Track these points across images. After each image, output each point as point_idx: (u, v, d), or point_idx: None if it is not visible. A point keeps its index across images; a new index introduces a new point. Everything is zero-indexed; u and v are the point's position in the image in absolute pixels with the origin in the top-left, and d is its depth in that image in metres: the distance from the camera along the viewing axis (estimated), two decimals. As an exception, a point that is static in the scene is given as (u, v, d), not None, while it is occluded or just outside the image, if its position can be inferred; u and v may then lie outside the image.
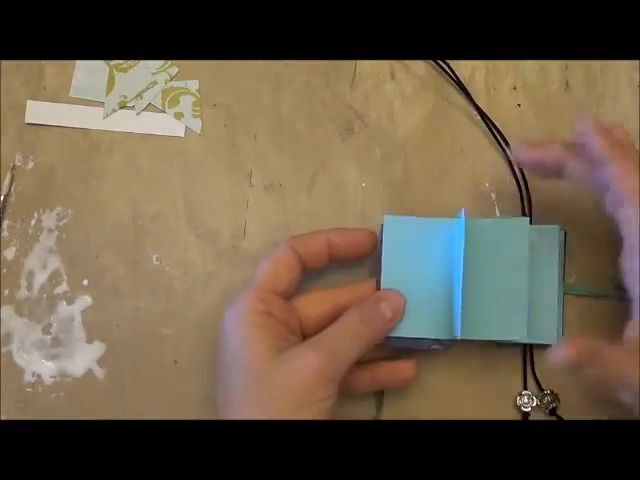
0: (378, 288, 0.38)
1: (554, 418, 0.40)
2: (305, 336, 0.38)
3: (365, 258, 0.40)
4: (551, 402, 0.40)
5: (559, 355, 0.33)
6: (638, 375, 0.32)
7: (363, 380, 0.39)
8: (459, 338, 0.37)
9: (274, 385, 0.33)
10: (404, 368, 0.39)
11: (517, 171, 0.43)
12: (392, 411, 0.41)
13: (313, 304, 0.38)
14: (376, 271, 0.39)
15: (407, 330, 0.37)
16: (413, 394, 0.41)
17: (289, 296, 0.38)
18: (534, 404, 0.40)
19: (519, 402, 0.40)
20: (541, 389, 0.40)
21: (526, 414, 0.40)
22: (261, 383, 0.34)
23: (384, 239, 0.39)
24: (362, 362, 0.37)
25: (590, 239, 0.42)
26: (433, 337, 0.38)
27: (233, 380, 0.35)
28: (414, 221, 0.39)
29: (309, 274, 0.39)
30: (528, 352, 0.41)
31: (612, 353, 0.33)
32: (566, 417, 0.40)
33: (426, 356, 0.41)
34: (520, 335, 0.38)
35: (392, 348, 0.39)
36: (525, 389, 0.41)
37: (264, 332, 0.35)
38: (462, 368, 0.41)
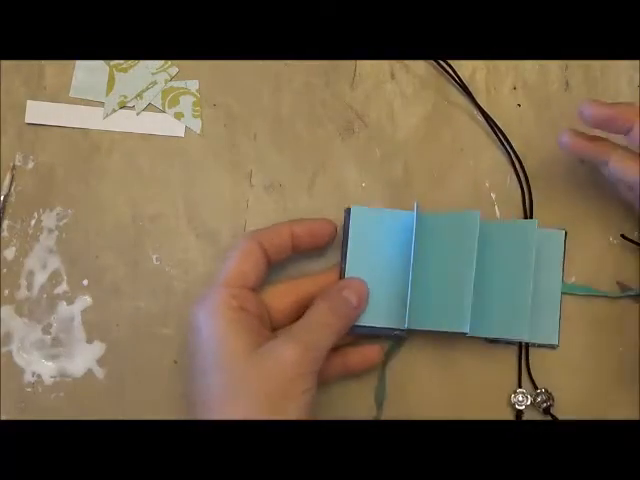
0: (342, 277, 0.39)
1: (548, 417, 0.40)
2: (273, 328, 0.38)
3: (325, 248, 0.41)
4: (545, 401, 0.40)
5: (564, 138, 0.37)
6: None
7: (336, 366, 0.39)
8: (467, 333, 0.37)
9: (254, 382, 0.33)
10: (371, 353, 0.40)
11: (518, 168, 0.43)
12: (392, 411, 0.41)
13: (279, 296, 0.39)
14: (340, 260, 0.39)
15: (369, 319, 0.38)
16: (414, 394, 0.41)
17: (257, 290, 0.38)
18: (528, 402, 0.40)
19: (513, 400, 0.40)
20: (535, 387, 0.40)
21: (520, 412, 0.40)
22: (240, 381, 0.34)
23: (350, 229, 0.39)
24: (334, 349, 0.38)
25: (590, 239, 0.42)
26: (393, 327, 0.39)
27: (211, 380, 0.34)
28: (380, 212, 0.40)
29: (273, 266, 0.39)
30: (524, 350, 0.41)
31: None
32: (560, 416, 0.40)
33: (423, 354, 0.41)
34: (522, 336, 0.38)
35: (356, 335, 0.40)
36: (520, 387, 0.41)
37: (239, 328, 0.35)
38: (458, 365, 0.41)
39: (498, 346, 0.41)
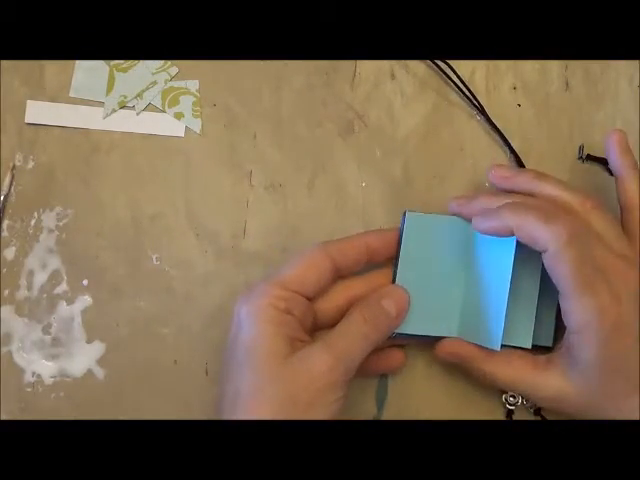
0: (393, 281, 0.38)
1: (537, 418, 0.40)
2: (319, 328, 0.38)
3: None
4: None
5: (439, 353, 0.38)
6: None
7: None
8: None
9: (282, 387, 0.33)
10: (394, 357, 0.40)
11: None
12: (393, 411, 0.41)
13: (329, 296, 0.38)
14: (393, 262, 0.39)
15: (416, 327, 0.38)
16: (414, 394, 0.41)
17: (313, 298, 0.38)
18: (518, 402, 0.40)
19: (504, 400, 0.40)
20: None
21: (510, 412, 0.40)
22: (269, 384, 0.33)
23: (404, 234, 0.38)
24: None
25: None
26: (439, 335, 0.38)
27: (242, 376, 0.34)
28: (434, 218, 0.39)
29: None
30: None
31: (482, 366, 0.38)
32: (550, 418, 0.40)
33: (423, 355, 0.41)
34: (527, 343, 0.38)
35: (393, 340, 0.39)
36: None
37: (280, 331, 0.35)
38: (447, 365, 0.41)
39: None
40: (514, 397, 0.40)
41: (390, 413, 0.41)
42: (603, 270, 0.34)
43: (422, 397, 0.41)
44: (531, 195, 0.37)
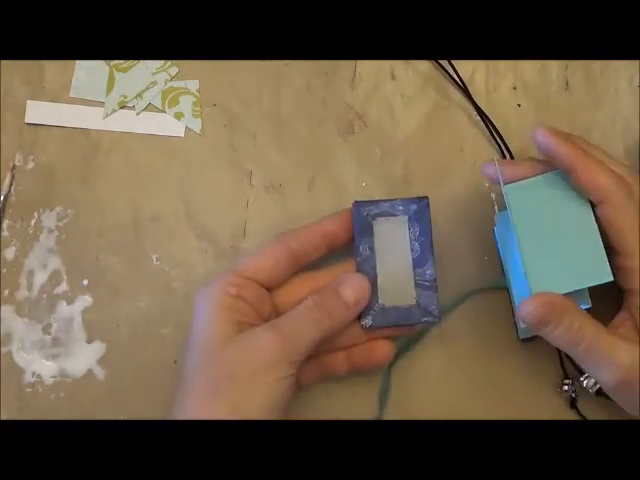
0: (358, 270, 0.38)
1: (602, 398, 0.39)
2: None
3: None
4: (595, 383, 0.39)
5: (525, 309, 0.35)
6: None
7: (337, 360, 0.38)
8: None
9: (226, 363, 0.34)
10: (381, 348, 0.38)
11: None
12: (395, 411, 0.41)
13: (291, 290, 0.38)
14: (354, 252, 0.38)
15: (562, 285, 0.36)
16: (417, 394, 0.41)
17: (272, 287, 0.38)
18: (576, 387, 0.40)
19: (564, 389, 0.40)
20: (581, 373, 0.39)
21: (574, 400, 0.40)
22: (213, 362, 0.34)
23: (512, 209, 0.37)
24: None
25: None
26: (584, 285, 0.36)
27: (190, 358, 0.35)
28: (531, 183, 0.37)
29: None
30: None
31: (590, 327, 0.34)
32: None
33: (427, 355, 0.41)
34: (608, 276, 0.36)
35: (380, 326, 0.38)
36: (566, 377, 0.40)
37: (230, 315, 0.35)
38: (462, 365, 0.41)
39: (506, 343, 0.41)
40: (572, 383, 0.40)
41: (391, 413, 0.41)
42: None
43: (423, 397, 0.41)
44: None
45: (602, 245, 0.35)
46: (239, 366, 0.33)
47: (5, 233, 0.42)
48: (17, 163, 0.43)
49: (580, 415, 0.40)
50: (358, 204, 0.39)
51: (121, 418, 0.41)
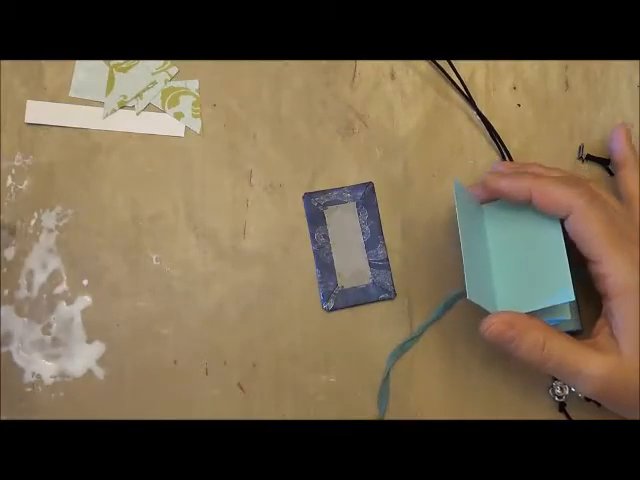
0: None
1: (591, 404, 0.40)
2: None
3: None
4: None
5: (484, 326, 0.35)
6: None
7: None
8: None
9: None
10: None
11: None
12: (395, 411, 0.41)
13: None
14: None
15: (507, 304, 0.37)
16: (418, 393, 0.41)
17: None
18: (567, 392, 0.40)
19: (552, 394, 0.40)
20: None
21: (562, 405, 0.40)
22: None
23: (457, 203, 0.37)
24: None
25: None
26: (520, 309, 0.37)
27: None
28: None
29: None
30: None
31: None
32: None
33: (426, 356, 0.41)
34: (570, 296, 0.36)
35: (341, 307, 0.41)
36: (554, 380, 0.40)
37: None
38: (461, 366, 0.41)
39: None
40: (562, 388, 0.40)
41: (391, 413, 0.41)
42: (627, 236, 0.34)
43: (425, 398, 0.41)
44: None
45: (567, 265, 0.36)
46: None
47: (5, 233, 0.42)
48: (17, 163, 0.43)
49: (568, 418, 0.40)
50: (308, 195, 0.42)
51: (121, 418, 0.41)
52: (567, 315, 0.37)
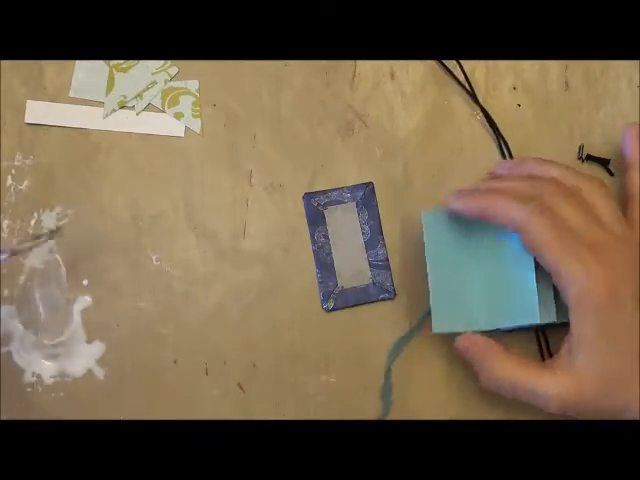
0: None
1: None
2: None
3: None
4: None
5: (457, 344, 0.37)
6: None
7: None
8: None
9: None
10: None
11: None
12: (396, 411, 0.41)
13: None
14: None
15: (454, 325, 0.38)
16: (418, 393, 0.41)
17: None
18: None
19: None
20: None
21: None
22: None
23: (425, 235, 0.39)
24: None
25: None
26: (477, 329, 0.38)
27: None
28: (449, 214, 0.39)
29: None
30: (542, 336, 0.41)
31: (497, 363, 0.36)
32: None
33: (427, 354, 0.41)
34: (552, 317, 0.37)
35: (341, 308, 0.41)
36: None
37: None
38: (462, 364, 0.41)
39: (513, 334, 0.41)
40: None
41: (393, 413, 0.41)
42: (593, 244, 0.33)
43: (423, 397, 0.41)
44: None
45: (534, 285, 0.36)
46: None
47: (5, 233, 0.42)
48: (17, 163, 0.43)
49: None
50: (308, 195, 0.42)
51: (121, 418, 0.41)
52: (536, 319, 0.37)
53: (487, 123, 0.43)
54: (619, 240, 0.34)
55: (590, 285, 0.33)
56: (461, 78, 0.44)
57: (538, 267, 0.36)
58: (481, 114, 0.44)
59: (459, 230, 0.39)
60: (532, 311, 0.36)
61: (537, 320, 0.36)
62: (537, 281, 0.36)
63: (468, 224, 0.39)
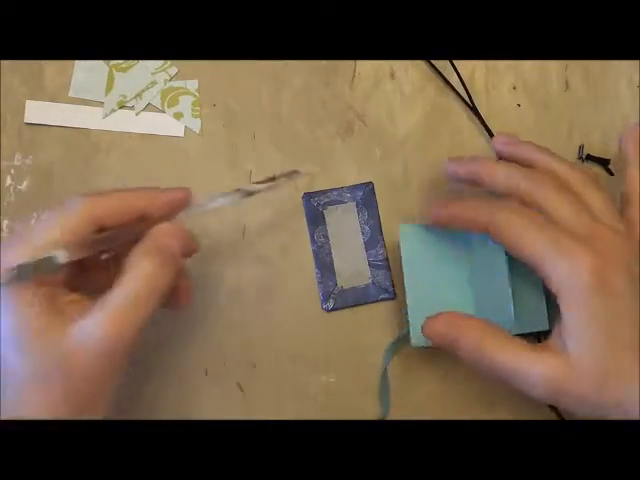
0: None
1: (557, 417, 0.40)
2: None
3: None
4: None
5: (426, 331, 0.36)
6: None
7: None
8: None
9: (73, 367, 0.31)
10: (182, 292, 0.37)
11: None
12: (399, 411, 0.41)
13: (113, 214, 0.33)
14: None
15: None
16: (418, 394, 0.41)
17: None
18: None
19: None
20: None
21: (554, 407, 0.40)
22: (57, 365, 0.31)
23: (402, 248, 0.39)
24: None
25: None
26: None
27: (17, 366, 0.31)
28: (427, 227, 0.39)
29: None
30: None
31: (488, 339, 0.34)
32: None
33: (424, 354, 0.41)
34: (544, 325, 0.37)
35: (340, 308, 0.41)
36: None
37: (37, 307, 0.31)
38: (460, 365, 0.41)
39: None
40: None
41: (391, 413, 0.41)
42: (583, 234, 0.33)
43: (423, 397, 0.41)
44: (529, 166, 0.37)
45: (509, 291, 0.36)
46: (84, 369, 0.31)
47: (5, 233, 0.42)
48: (17, 163, 0.43)
49: (559, 416, 0.41)
50: (308, 195, 0.42)
51: (121, 418, 0.40)
52: (545, 326, 0.37)
53: (482, 125, 0.43)
54: (610, 230, 0.34)
55: (573, 270, 0.32)
56: (456, 79, 0.44)
57: (526, 278, 0.36)
58: (475, 115, 0.44)
59: (437, 242, 0.39)
60: (508, 319, 0.36)
61: (510, 326, 0.35)
62: (525, 291, 0.36)
63: (445, 236, 0.39)
